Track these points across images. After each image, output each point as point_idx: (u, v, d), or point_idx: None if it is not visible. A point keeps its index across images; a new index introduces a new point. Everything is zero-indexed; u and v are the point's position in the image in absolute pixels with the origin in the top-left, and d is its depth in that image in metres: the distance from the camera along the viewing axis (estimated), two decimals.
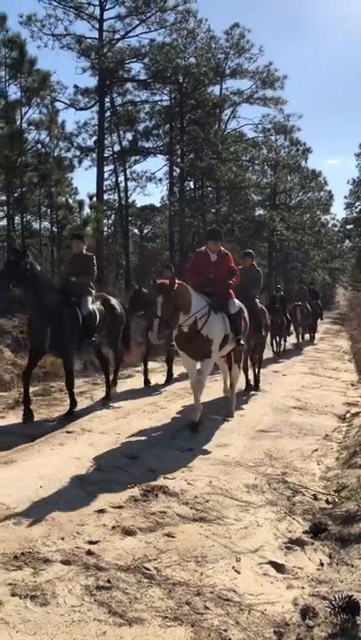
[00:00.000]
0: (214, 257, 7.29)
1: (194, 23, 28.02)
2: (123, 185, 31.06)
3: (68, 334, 7.29)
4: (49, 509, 4.21)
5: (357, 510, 4.23)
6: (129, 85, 29.06)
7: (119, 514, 4.21)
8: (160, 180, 32.55)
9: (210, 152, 29.90)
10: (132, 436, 6.46)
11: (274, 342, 15.25)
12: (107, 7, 25.77)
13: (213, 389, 8.80)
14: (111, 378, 8.65)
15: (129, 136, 30.49)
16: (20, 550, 3.55)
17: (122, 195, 31.23)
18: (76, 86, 27.77)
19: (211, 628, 2.92)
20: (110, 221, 34.47)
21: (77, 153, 28.21)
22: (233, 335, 7.18)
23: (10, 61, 17.32)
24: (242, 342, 7.40)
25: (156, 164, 61.18)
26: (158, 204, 37.56)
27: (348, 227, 44.80)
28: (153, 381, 10.10)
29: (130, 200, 33.07)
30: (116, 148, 30.40)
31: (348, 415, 8.18)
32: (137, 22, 26.52)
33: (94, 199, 21.12)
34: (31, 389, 8.57)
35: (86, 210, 19.44)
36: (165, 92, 30.23)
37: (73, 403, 7.46)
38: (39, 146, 18.75)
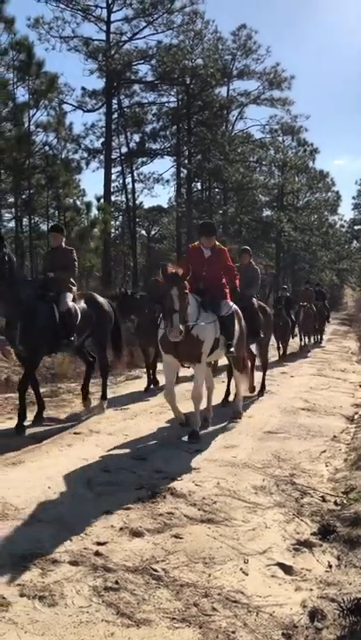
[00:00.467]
0: (208, 253, 6.73)
1: (201, 24, 28.17)
2: (130, 186, 31.20)
3: (39, 332, 6.67)
4: (57, 510, 4.22)
5: None
6: (136, 87, 29.22)
7: (127, 515, 4.21)
8: (167, 181, 32.68)
9: (217, 153, 29.94)
10: (140, 437, 6.47)
11: (279, 344, 14.82)
12: (114, 9, 25.94)
13: (218, 391, 8.77)
14: (99, 392, 7.95)
15: (136, 137, 30.66)
16: (29, 551, 3.55)
17: (129, 196, 31.35)
18: (83, 88, 27.97)
19: (219, 629, 2.91)
20: (118, 223, 34.60)
21: (85, 155, 28.41)
22: (224, 340, 6.65)
23: (18, 64, 17.43)
24: (232, 350, 6.81)
25: (164, 166, 61.43)
26: (166, 206, 37.68)
27: (355, 227, 44.75)
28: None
29: (137, 201, 33.22)
30: (124, 149, 30.55)
31: (356, 416, 8.15)
32: (144, 24, 26.69)
33: (102, 201, 21.22)
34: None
35: (94, 211, 19.55)
36: (173, 93, 30.34)
37: (37, 409, 7.04)
38: (47, 148, 18.89)
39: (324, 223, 41.87)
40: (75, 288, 7.39)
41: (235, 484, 4.98)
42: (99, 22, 26.15)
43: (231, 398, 8.56)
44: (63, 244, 7.56)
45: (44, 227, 21.45)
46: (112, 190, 28.83)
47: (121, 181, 31.20)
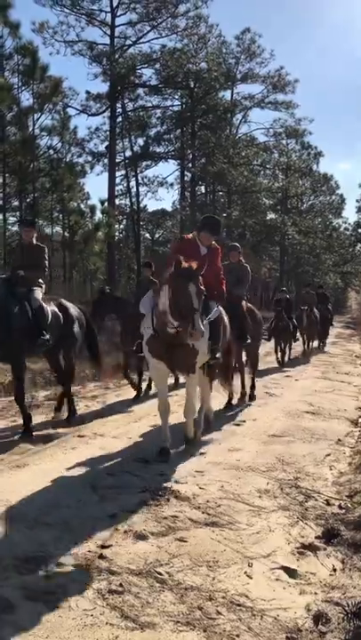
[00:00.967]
0: (204, 250, 6.02)
1: (205, 28, 28.29)
2: (134, 190, 31.27)
3: (17, 332, 6.22)
4: (61, 513, 4.22)
5: None
6: (140, 91, 29.34)
7: (131, 518, 4.21)
8: (171, 184, 32.76)
9: (221, 156, 29.99)
10: (144, 440, 6.47)
11: (278, 349, 14.10)
12: (118, 14, 26.07)
13: (219, 399, 8.73)
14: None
15: (140, 141, 30.76)
16: (33, 554, 3.56)
17: (133, 200, 31.43)
18: (87, 92, 28.11)
19: (223, 633, 2.91)
20: (122, 226, 34.68)
21: (89, 158, 28.54)
22: (209, 344, 5.98)
23: (23, 68, 17.52)
24: (217, 355, 6.18)
25: (168, 169, 61.55)
26: (170, 209, 37.75)
27: (359, 230, 44.60)
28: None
29: (141, 205, 33.30)
30: (128, 153, 30.65)
31: (360, 420, 8.13)
32: (148, 28, 26.83)
33: (106, 204, 21.29)
34: (43, 394, 8.60)
35: (98, 215, 19.63)
36: (177, 97, 30.47)
37: (27, 417, 6.54)
38: (51, 151, 18.96)
39: (329, 226, 41.87)
40: (44, 287, 6.94)
41: (239, 487, 4.97)
42: (103, 26, 26.31)
43: (235, 402, 8.57)
44: (34, 240, 7.05)
45: (48, 230, 21.55)
46: (116, 194, 28.93)
47: (125, 185, 31.31)
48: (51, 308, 6.83)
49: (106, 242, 20.81)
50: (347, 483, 5.26)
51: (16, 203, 19.48)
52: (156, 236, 44.15)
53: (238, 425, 7.35)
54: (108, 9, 25.76)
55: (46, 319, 6.65)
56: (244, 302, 8.62)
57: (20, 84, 17.73)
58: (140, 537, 3.92)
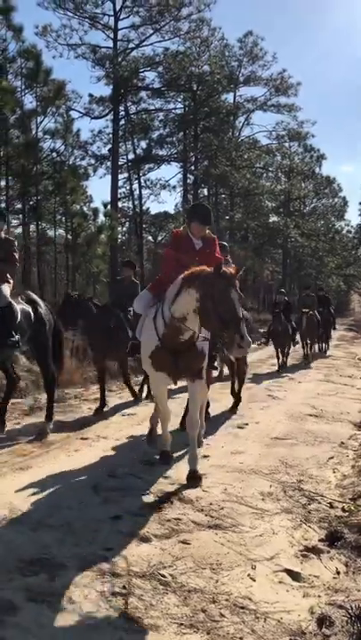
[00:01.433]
0: (199, 244, 5.37)
1: (208, 31, 28.31)
2: (137, 192, 31.33)
3: None
4: (65, 515, 4.23)
5: None
6: (143, 94, 29.39)
7: (134, 520, 4.21)
8: (174, 187, 32.79)
9: (224, 159, 30.02)
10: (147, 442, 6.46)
11: (278, 353, 13.60)
12: (121, 17, 26.12)
13: (223, 402, 8.73)
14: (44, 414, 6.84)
15: (143, 144, 30.82)
16: (36, 556, 3.57)
17: (136, 202, 31.49)
18: (90, 95, 28.16)
19: (226, 636, 2.91)
20: (125, 229, 34.70)
21: (92, 161, 28.57)
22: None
23: (26, 71, 17.57)
24: (216, 364, 5.77)
25: (170, 172, 61.55)
26: (172, 212, 37.72)
27: None
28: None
29: (144, 207, 33.32)
30: (131, 155, 30.69)
31: None
32: (151, 31, 26.87)
33: (109, 207, 21.30)
34: (46, 396, 8.57)
35: (101, 217, 19.64)
36: (179, 99, 30.50)
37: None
38: (54, 154, 18.98)
39: (331, 229, 41.81)
40: (12, 282, 6.36)
41: (242, 489, 4.97)
42: (106, 30, 26.36)
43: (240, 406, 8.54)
44: (3, 233, 6.45)
45: (51, 233, 21.61)
46: (119, 196, 28.94)
47: (128, 188, 31.36)
48: (20, 306, 6.26)
49: (109, 244, 20.81)
50: (350, 485, 5.26)
51: (19, 205, 19.53)
52: (159, 238, 44.06)
53: (241, 428, 7.34)
54: (111, 12, 25.84)
55: (15, 318, 6.09)
56: None
57: (23, 87, 17.79)
58: (144, 539, 3.92)
